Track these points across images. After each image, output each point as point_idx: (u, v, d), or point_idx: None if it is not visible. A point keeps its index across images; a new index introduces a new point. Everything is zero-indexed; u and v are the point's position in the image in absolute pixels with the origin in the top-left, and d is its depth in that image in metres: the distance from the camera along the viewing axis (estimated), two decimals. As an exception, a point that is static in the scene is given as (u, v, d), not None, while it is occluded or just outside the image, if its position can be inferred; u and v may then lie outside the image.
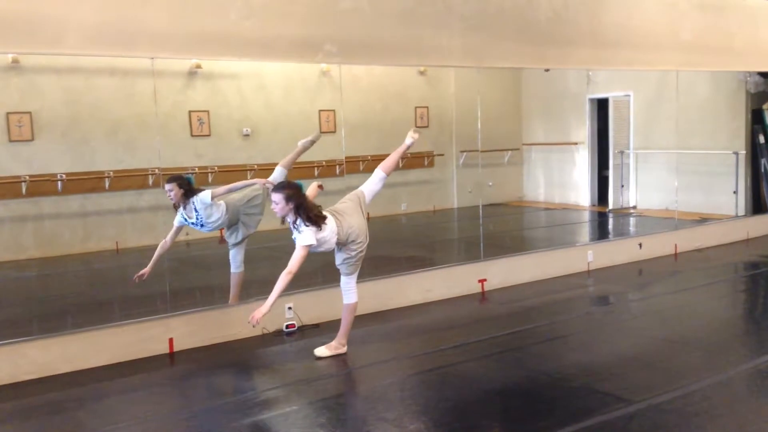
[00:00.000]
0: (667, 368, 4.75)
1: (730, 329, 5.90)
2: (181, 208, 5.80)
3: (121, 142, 9.16)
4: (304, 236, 4.81)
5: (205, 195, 5.71)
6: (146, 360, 5.30)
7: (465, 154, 11.85)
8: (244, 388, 4.80)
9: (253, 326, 4.86)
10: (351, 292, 5.24)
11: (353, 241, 5.05)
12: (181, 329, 5.53)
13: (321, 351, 5.22)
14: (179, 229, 5.88)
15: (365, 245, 5.14)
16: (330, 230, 4.91)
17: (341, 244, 5.05)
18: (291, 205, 4.81)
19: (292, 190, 4.86)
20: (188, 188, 5.77)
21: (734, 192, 10.35)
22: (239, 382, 4.94)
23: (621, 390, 4.35)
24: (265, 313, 4.71)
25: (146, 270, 5.78)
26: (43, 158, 8.81)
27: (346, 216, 5.05)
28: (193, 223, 5.79)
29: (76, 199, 9.02)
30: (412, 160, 11.67)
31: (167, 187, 5.74)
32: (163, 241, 5.86)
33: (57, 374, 5.02)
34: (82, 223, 9.13)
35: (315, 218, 4.82)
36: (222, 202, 5.83)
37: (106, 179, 9.04)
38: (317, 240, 4.84)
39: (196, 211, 5.76)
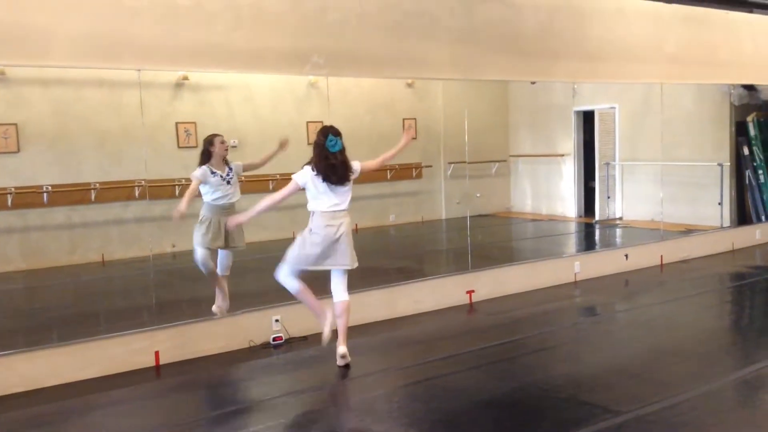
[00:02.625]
0: (654, 379, 4.76)
1: (717, 340, 5.93)
2: (209, 165, 6.02)
3: (107, 153, 9.13)
4: (299, 172, 5.12)
5: (239, 165, 6.29)
6: (132, 373, 5.26)
7: (453, 165, 11.89)
8: (231, 401, 4.77)
9: (228, 229, 5.42)
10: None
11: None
12: (167, 342, 5.49)
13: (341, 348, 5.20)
14: (200, 182, 6.02)
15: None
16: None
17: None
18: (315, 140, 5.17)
19: (319, 133, 5.18)
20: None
21: (719, 203, 10.43)
22: (226, 395, 4.91)
23: (608, 401, 4.36)
24: (241, 221, 5.27)
25: (182, 209, 5.81)
26: (29, 170, 8.77)
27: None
28: (222, 177, 6.04)
29: (62, 211, 8.97)
30: (401, 172, 11.70)
31: (221, 139, 6.13)
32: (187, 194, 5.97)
33: (43, 387, 4.97)
34: (68, 235, 9.08)
35: (317, 165, 5.04)
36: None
37: (93, 191, 9.00)
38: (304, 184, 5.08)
39: (230, 168, 6.13)
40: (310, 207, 5.15)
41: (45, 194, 8.74)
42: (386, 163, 5.58)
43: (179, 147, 9.59)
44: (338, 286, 5.26)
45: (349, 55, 6.29)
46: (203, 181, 5.99)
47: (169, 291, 7.25)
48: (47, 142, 8.95)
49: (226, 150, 6.14)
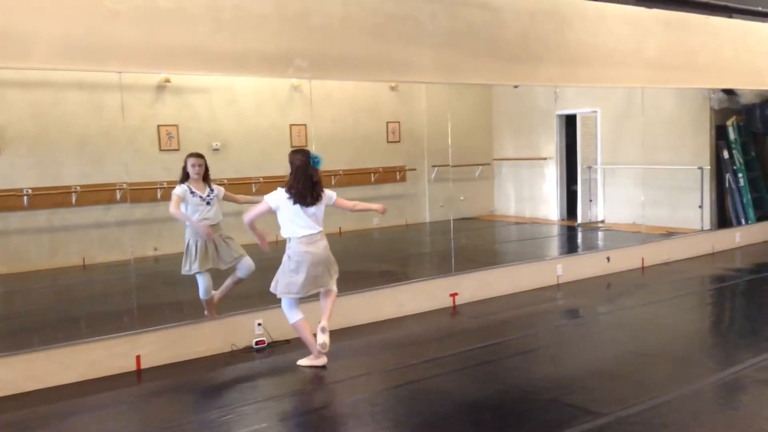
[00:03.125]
0: (635, 381, 4.80)
1: (697, 342, 5.98)
2: (188, 184, 5.91)
3: (88, 156, 9.05)
4: (271, 194, 5.16)
5: (221, 189, 6.13)
6: (113, 377, 5.22)
7: (437, 168, 11.92)
8: (213, 405, 4.74)
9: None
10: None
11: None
12: (148, 346, 5.45)
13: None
14: (180, 199, 5.88)
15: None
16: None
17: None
18: (290, 167, 5.16)
19: (297, 155, 5.19)
20: (207, 170, 6.05)
21: (699, 206, 10.53)
22: (208, 400, 4.88)
23: (590, 403, 4.38)
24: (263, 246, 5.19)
25: (200, 226, 5.78)
26: (9, 173, 8.67)
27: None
28: (201, 197, 5.92)
29: (42, 214, 8.88)
30: (385, 175, 11.70)
31: (197, 161, 5.95)
32: (173, 209, 5.83)
33: (22, 392, 4.92)
34: (49, 238, 8.99)
35: (295, 186, 5.07)
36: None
37: (73, 194, 8.92)
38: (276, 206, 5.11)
39: (211, 190, 6.00)
40: (285, 233, 5.20)
41: (25, 197, 8.65)
42: (354, 210, 5.57)
43: (161, 150, 9.54)
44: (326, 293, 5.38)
45: (333, 58, 6.28)
46: (183, 200, 5.89)
47: (150, 294, 7.20)
48: (27, 145, 8.86)
49: (197, 173, 5.94)
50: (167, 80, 9.46)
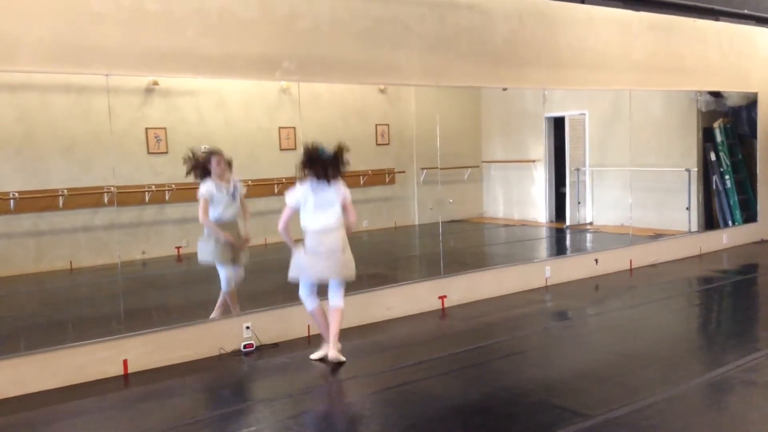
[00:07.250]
0: (623, 383, 4.81)
1: (684, 344, 6.01)
2: (211, 180, 5.98)
3: (75, 159, 8.98)
4: (289, 194, 5.34)
5: (241, 184, 6.24)
6: (100, 382, 5.19)
7: (425, 171, 11.91)
8: (201, 410, 4.72)
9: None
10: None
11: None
12: (135, 350, 5.42)
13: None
14: (207, 200, 5.98)
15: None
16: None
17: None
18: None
19: (306, 150, 5.32)
20: (230, 165, 6.16)
21: (687, 208, 10.58)
22: (195, 404, 4.86)
23: (578, 405, 4.39)
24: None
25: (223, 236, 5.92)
26: (-5, 176, 8.60)
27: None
28: (227, 191, 6.00)
29: (29, 218, 8.80)
30: (374, 177, 11.68)
31: (221, 158, 6.06)
32: (204, 217, 5.95)
33: (7, 398, 4.89)
34: (35, 242, 8.91)
35: (308, 165, 5.24)
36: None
37: (60, 197, 8.86)
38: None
39: (236, 187, 6.08)
40: (302, 225, 5.35)
41: (12, 201, 8.58)
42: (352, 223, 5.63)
43: (149, 153, 9.48)
44: (333, 292, 5.49)
45: (321, 61, 6.29)
46: (209, 199, 5.94)
47: (138, 298, 7.15)
48: (14, 148, 8.77)
49: (223, 169, 6.05)
50: (155, 83, 9.40)
